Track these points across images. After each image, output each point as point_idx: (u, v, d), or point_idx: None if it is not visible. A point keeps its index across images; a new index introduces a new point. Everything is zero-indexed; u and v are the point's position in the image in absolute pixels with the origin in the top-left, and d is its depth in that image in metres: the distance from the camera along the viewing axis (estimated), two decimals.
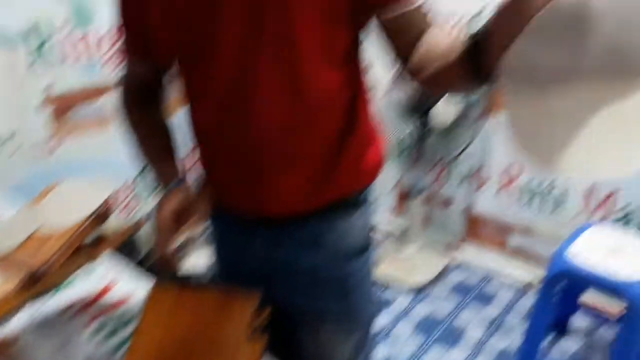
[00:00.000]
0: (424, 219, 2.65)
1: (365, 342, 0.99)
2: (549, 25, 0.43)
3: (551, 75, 0.44)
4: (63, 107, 1.90)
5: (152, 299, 0.75)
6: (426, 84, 0.73)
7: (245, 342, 0.70)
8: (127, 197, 2.10)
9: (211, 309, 0.74)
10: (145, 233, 1.87)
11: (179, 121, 0.93)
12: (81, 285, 0.98)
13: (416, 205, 2.54)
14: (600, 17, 0.41)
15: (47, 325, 0.87)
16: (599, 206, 2.13)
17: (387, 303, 2.26)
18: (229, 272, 1.00)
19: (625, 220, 2.06)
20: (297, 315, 0.94)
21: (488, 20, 0.51)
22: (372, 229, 0.96)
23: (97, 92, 1.96)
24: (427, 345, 2.03)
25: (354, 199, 0.91)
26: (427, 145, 2.36)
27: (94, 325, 0.87)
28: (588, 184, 2.12)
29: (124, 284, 0.98)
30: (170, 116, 0.96)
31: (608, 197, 2.08)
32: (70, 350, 0.81)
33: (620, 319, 1.61)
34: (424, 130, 2.31)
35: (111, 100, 1.94)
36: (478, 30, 0.54)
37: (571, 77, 0.44)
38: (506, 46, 0.46)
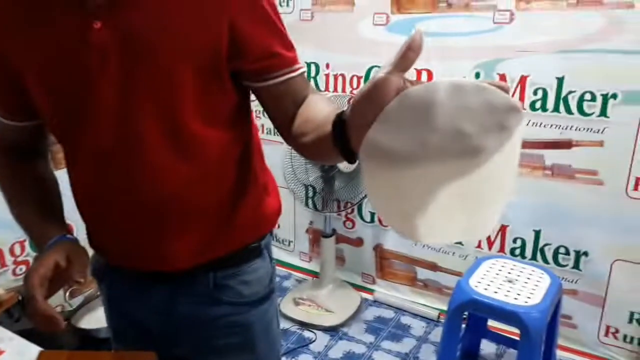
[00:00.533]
0: (338, 259, 2.70)
1: None
2: (400, 112, 0.48)
3: (403, 156, 0.49)
4: None
5: None
6: (304, 152, 0.76)
7: None
8: (19, 255, 1.97)
9: None
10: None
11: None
12: None
13: (329, 247, 2.59)
14: (443, 105, 0.47)
15: None
16: (494, 240, 2.28)
17: (306, 343, 2.26)
18: (125, 330, 0.95)
19: (518, 251, 2.23)
20: None
21: (349, 105, 0.56)
22: (273, 276, 0.96)
23: None
24: None
25: (253, 248, 0.91)
26: (334, 189, 2.43)
27: None
28: None
29: (13, 352, 0.92)
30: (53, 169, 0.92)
31: (501, 230, 2.25)
32: None
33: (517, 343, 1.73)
34: (331, 174, 2.38)
35: None
36: (344, 110, 0.58)
37: (420, 157, 0.49)
38: (362, 129, 0.51)
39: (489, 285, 1.74)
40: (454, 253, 2.39)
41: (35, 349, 0.92)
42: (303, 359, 2.16)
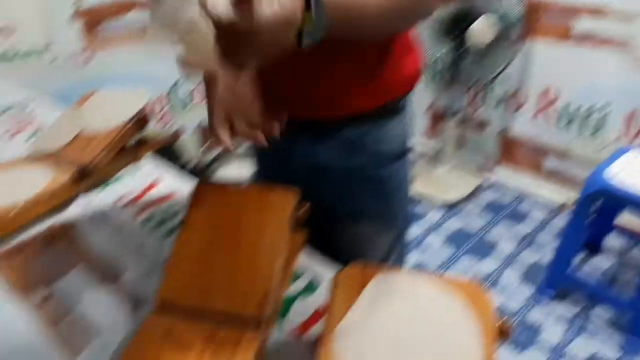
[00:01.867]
0: (458, 141, 2.62)
1: (398, 244, 1.02)
2: None
3: None
4: (93, 20, 1.90)
5: (196, 195, 0.77)
6: None
7: (287, 235, 0.72)
8: (161, 109, 2.12)
9: (253, 204, 0.76)
10: (184, 143, 1.90)
11: None
12: (127, 182, 1.01)
13: (450, 128, 2.50)
14: None
15: (100, 214, 0.91)
16: (639, 132, 2.07)
17: (419, 216, 2.29)
18: (268, 180, 1.02)
19: None
20: (335, 215, 0.96)
21: None
22: (409, 137, 0.97)
23: (125, 7, 1.95)
24: (457, 255, 2.07)
25: (392, 106, 0.91)
26: (463, 67, 2.29)
27: (143, 215, 0.90)
28: (629, 109, 2.05)
29: (168, 182, 1.01)
30: None
31: None
32: (123, 236, 0.85)
33: None
34: (460, 50, 2.23)
35: (139, 16, 1.92)
36: None
37: None
38: None
39: (628, 175, 1.59)
40: (590, 140, 2.21)
41: (190, 183, 1.00)
42: (415, 230, 2.20)
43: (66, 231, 0.87)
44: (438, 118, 2.68)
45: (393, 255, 1.02)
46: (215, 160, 2.26)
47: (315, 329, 0.68)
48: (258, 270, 0.67)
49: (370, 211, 0.96)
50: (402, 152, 0.95)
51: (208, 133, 0.74)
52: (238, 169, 2.21)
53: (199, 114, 2.24)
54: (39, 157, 0.96)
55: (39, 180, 0.89)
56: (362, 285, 0.57)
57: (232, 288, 0.65)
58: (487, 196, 2.46)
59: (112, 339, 0.67)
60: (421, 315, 0.54)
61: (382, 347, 0.52)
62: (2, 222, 0.80)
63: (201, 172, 2.05)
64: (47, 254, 0.81)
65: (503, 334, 0.54)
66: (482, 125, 2.58)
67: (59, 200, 0.89)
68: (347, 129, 0.89)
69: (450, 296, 0.55)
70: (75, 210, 0.92)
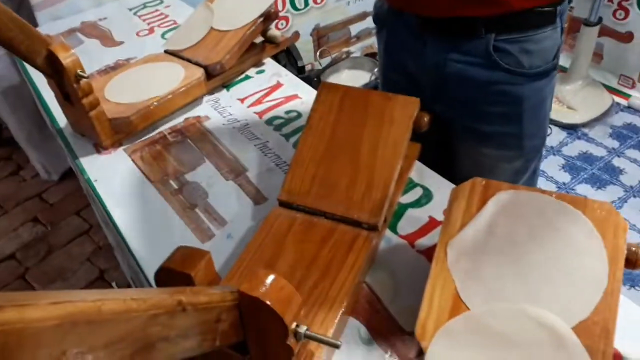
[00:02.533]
0: (594, 55, 2.36)
1: (526, 170, 0.93)
2: None
3: None
4: None
5: (320, 96, 0.78)
6: None
7: (406, 143, 0.72)
8: (280, 11, 2.13)
9: (375, 109, 0.75)
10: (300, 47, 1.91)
11: None
12: (253, 82, 1.04)
13: (589, 38, 2.25)
14: None
15: (227, 113, 0.96)
16: None
17: None
18: (396, 81, 0.96)
19: None
20: (461, 132, 0.90)
21: None
22: (559, 51, 0.84)
23: None
24: (579, 179, 1.95)
25: (546, 12, 0.78)
26: None
27: (267, 115, 0.94)
28: None
29: (290, 84, 1.03)
30: None
31: None
32: (248, 135, 0.90)
33: None
34: None
35: None
36: None
37: None
38: None
39: None
40: None
41: (309, 87, 1.01)
42: None
43: (197, 127, 0.93)
44: (573, 27, 2.41)
45: (518, 183, 0.93)
46: (330, 65, 2.25)
47: (425, 239, 0.69)
48: (375, 176, 0.68)
49: (500, 132, 0.87)
50: (548, 69, 0.83)
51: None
52: (352, 75, 2.20)
53: (314, 17, 2.22)
54: (172, 55, 1.02)
55: (173, 77, 0.95)
56: (483, 200, 0.56)
57: (349, 193, 0.68)
58: (619, 119, 2.24)
59: (237, 228, 0.73)
60: (544, 234, 0.53)
61: (498, 264, 0.52)
62: (141, 115, 0.88)
63: (317, 77, 2.06)
64: (179, 147, 0.89)
65: (631, 263, 0.51)
66: (627, 37, 2.29)
67: (191, 97, 0.95)
68: (491, 34, 0.78)
69: (578, 217, 0.53)
70: (204, 107, 0.98)
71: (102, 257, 1.72)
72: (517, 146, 0.89)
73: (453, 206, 0.57)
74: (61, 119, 0.95)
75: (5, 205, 1.93)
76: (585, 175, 1.96)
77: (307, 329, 0.43)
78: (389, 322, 0.60)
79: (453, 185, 0.60)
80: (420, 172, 0.80)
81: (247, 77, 1.06)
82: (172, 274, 0.41)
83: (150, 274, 0.67)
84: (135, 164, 0.86)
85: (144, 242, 0.72)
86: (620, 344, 0.52)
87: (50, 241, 1.79)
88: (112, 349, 0.26)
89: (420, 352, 0.56)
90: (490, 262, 0.52)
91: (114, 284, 1.64)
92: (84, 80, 0.79)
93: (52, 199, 1.95)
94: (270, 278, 0.41)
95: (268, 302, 0.39)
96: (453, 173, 0.82)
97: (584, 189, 1.89)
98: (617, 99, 2.31)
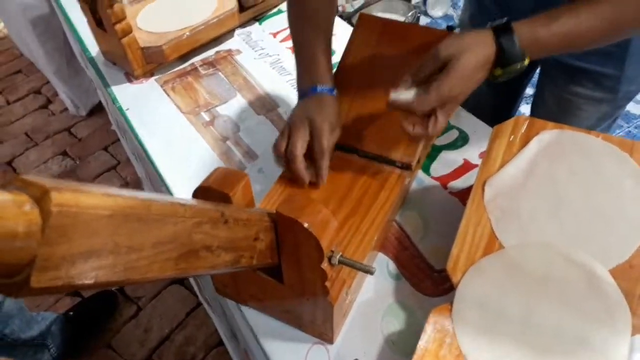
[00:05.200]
0: None
1: (612, 116, 0.85)
2: None
3: None
4: None
5: (357, 28, 0.76)
6: None
7: None
8: None
9: (415, 44, 0.73)
10: None
11: None
12: (283, 16, 1.02)
13: None
14: None
15: (285, 47, 0.94)
16: None
17: None
18: (481, 5, 0.85)
19: None
20: (553, 67, 0.82)
21: None
22: None
23: None
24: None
25: None
26: None
27: None
28: None
29: None
30: None
31: None
32: (278, 69, 0.89)
33: None
34: None
35: None
36: None
37: None
38: None
39: None
40: None
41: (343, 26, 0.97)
42: None
43: (228, 60, 0.92)
44: None
45: (600, 128, 0.85)
46: (362, 7, 2.19)
47: (459, 182, 0.68)
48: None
49: (598, 72, 0.77)
50: None
51: None
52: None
53: None
54: None
55: (205, 8, 0.93)
56: (526, 139, 0.55)
57: (384, 131, 0.66)
58: None
59: (268, 163, 0.73)
60: (586, 175, 0.51)
61: (537, 203, 0.51)
62: (174, 45, 0.86)
63: (348, 19, 2.01)
64: (210, 79, 0.88)
65: None
66: None
67: (223, 28, 0.93)
68: None
69: (623, 159, 0.51)
70: (236, 40, 0.96)
71: None
72: (612, 89, 0.79)
73: (494, 144, 0.56)
74: (93, 48, 0.94)
75: (35, 138, 1.96)
76: (621, 133, 1.89)
77: (341, 255, 0.43)
78: (418, 260, 0.60)
79: (490, 129, 0.58)
80: (457, 114, 0.77)
81: (280, 12, 1.03)
82: (210, 193, 0.41)
83: None
84: (167, 94, 0.85)
85: (175, 172, 0.73)
86: None
87: (79, 175, 1.82)
88: (160, 249, 0.26)
89: (449, 289, 0.56)
90: (529, 201, 0.51)
91: None
92: (118, 4, 0.78)
93: (81, 134, 1.97)
94: (307, 202, 0.41)
95: (305, 224, 0.39)
96: (533, 114, 0.75)
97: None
98: None
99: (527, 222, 0.50)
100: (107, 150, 1.92)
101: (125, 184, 1.80)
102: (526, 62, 0.52)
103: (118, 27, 0.80)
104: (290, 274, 0.45)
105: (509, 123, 0.56)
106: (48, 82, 2.11)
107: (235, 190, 0.41)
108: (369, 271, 0.43)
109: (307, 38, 0.68)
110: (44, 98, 2.15)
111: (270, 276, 0.47)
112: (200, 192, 0.42)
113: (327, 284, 0.44)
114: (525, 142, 0.54)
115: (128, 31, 0.82)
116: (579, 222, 0.49)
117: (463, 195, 0.66)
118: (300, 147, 0.60)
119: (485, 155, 0.55)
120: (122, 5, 0.79)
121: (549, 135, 0.54)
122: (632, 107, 2.00)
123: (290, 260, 0.44)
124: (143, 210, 0.24)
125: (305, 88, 0.66)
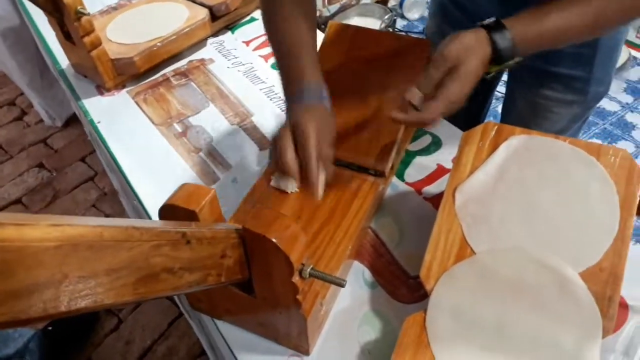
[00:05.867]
0: None
1: (582, 117, 0.87)
2: None
3: None
4: None
5: (328, 36, 0.76)
6: None
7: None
8: None
9: (385, 51, 0.73)
10: None
11: None
12: (256, 25, 1.01)
13: None
14: None
15: (232, 55, 0.94)
16: None
17: None
18: (445, 14, 0.85)
19: None
20: (523, 71, 0.81)
21: None
22: None
23: None
24: (590, 133, 1.92)
25: None
26: None
27: (272, 59, 0.92)
28: None
29: None
30: None
31: None
32: (252, 78, 0.88)
33: None
34: None
35: None
36: None
37: None
38: None
39: None
40: None
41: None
42: None
43: (201, 69, 0.91)
44: None
45: (571, 130, 0.86)
46: (338, 12, 2.19)
47: (432, 187, 0.68)
48: (384, 122, 0.67)
49: (567, 75, 0.78)
50: None
51: None
52: (362, 23, 2.14)
53: None
54: None
55: (176, 18, 0.92)
56: (495, 145, 0.55)
57: (356, 139, 0.66)
58: (635, 73, 2.18)
59: (242, 173, 0.73)
60: (555, 179, 0.52)
61: (507, 208, 0.51)
62: (145, 56, 0.85)
63: (324, 24, 2.01)
64: (183, 90, 0.87)
65: None
66: None
67: (195, 38, 0.92)
68: None
69: (590, 163, 0.52)
70: (208, 49, 0.95)
71: (108, 203, 1.73)
72: (582, 90, 0.81)
73: (464, 150, 0.56)
74: (63, 60, 0.93)
75: (10, 150, 1.93)
76: (596, 130, 1.92)
77: (312, 267, 0.42)
78: (393, 267, 0.60)
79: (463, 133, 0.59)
80: None
81: (253, 20, 1.03)
82: (176, 211, 0.40)
83: (155, 217, 0.67)
84: (139, 106, 0.84)
85: (148, 185, 0.72)
86: (628, 295, 0.51)
87: (56, 187, 1.80)
88: (115, 275, 0.25)
89: (424, 296, 0.56)
90: (499, 206, 0.51)
91: None
92: (85, 17, 0.77)
93: (57, 145, 1.94)
94: (275, 217, 0.40)
95: (274, 240, 0.38)
96: (505, 118, 0.76)
97: (598, 141, 1.86)
98: (634, 53, 2.25)
99: (498, 227, 0.50)
100: (84, 161, 1.89)
101: (103, 195, 1.78)
102: (519, 58, 0.53)
103: (87, 39, 0.79)
104: (262, 288, 0.45)
105: (478, 129, 0.56)
106: (22, 93, 2.07)
107: (202, 207, 0.41)
108: (339, 284, 0.43)
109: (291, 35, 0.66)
110: (18, 110, 2.12)
111: (243, 291, 0.47)
112: (166, 210, 0.41)
113: (299, 297, 0.43)
114: (494, 147, 0.55)
115: (97, 44, 0.80)
116: (549, 227, 0.49)
117: (437, 200, 0.66)
118: (314, 150, 0.57)
119: (455, 162, 0.56)
120: (89, 18, 0.77)
121: (517, 141, 0.54)
122: (607, 104, 2.04)
123: (261, 275, 0.43)
124: (94, 238, 0.24)
125: (293, 92, 0.63)
